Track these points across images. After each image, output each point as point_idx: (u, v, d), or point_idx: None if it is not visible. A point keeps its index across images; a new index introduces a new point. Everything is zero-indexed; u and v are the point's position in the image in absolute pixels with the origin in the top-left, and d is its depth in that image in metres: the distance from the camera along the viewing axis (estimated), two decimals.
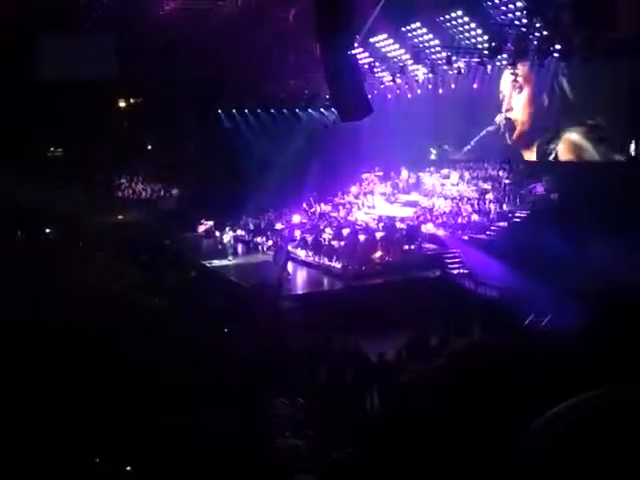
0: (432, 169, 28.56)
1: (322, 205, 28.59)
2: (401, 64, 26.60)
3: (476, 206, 24.17)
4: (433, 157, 28.57)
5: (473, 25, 23.01)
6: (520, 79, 24.28)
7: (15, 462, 5.67)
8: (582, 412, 1.06)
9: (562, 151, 23.75)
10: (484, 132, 26.30)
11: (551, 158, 24.25)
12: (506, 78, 25.26)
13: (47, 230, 25.88)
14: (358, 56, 21.92)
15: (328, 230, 23.65)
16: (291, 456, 6.19)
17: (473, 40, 23.64)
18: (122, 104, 33.12)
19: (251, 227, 26.80)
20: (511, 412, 1.22)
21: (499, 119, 25.94)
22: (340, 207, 28.14)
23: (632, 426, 1.01)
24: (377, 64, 27.29)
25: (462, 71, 25.05)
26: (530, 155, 25.34)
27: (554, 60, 22.13)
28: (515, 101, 25.34)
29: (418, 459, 1.40)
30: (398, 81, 28.35)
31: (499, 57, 23.28)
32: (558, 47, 21.20)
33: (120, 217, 28.96)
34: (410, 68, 26.83)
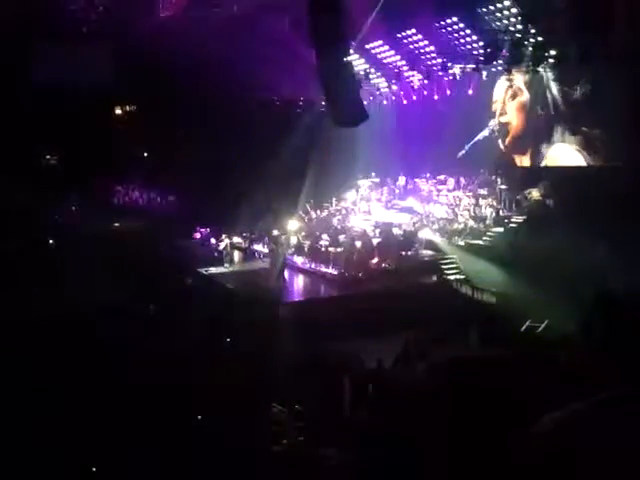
0: (428, 175, 28.58)
1: (319, 211, 28.58)
2: (397, 70, 26.66)
3: (472, 212, 24.18)
4: None
5: (468, 31, 23.09)
6: (514, 85, 24.39)
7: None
8: (581, 418, 1.05)
9: (551, 159, 23.81)
10: (480, 137, 26.32)
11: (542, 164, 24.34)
12: (500, 84, 25.36)
13: (43, 238, 25.78)
14: (354, 62, 21.98)
15: (325, 236, 23.63)
16: (289, 462, 6.16)
17: (469, 46, 23.71)
18: (118, 111, 33.14)
19: (247, 234, 26.77)
20: (509, 417, 1.21)
21: (493, 124, 25.98)
22: (337, 213, 28.14)
23: (629, 430, 1.00)
24: (373, 70, 27.35)
25: (457, 77, 25.14)
26: (523, 160, 25.40)
27: (549, 66, 22.21)
28: (509, 107, 25.42)
29: (415, 465, 1.39)
30: (394, 87, 28.42)
31: (494, 63, 23.34)
32: (553, 53, 21.29)
33: (116, 224, 28.92)
34: (406, 74, 26.89)
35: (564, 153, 23.19)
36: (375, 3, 16.81)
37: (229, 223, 26.57)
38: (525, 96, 24.63)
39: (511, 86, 24.65)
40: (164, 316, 16.02)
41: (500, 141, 25.96)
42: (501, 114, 25.78)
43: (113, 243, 24.35)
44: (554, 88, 23.11)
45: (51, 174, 30.82)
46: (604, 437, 1.07)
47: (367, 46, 25.41)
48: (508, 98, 25.25)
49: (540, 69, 22.57)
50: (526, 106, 24.72)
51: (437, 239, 23.03)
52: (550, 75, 22.93)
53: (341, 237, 23.31)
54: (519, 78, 24.33)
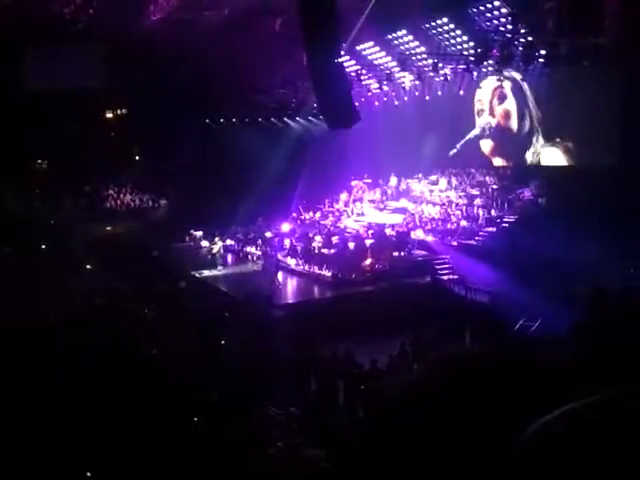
0: (420, 175, 28.66)
1: (312, 213, 28.58)
2: (388, 71, 26.70)
3: (464, 212, 24.25)
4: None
5: (459, 32, 23.13)
6: (503, 89, 24.58)
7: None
8: (577, 419, 1.07)
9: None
10: (471, 135, 26.38)
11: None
12: (486, 85, 25.50)
13: (36, 242, 25.70)
14: (345, 64, 21.98)
15: (318, 238, 23.63)
16: (284, 464, 6.17)
17: (459, 47, 23.76)
18: (109, 115, 33.06)
19: (240, 236, 26.73)
20: (506, 417, 1.22)
21: (484, 122, 26.02)
22: (329, 215, 28.15)
23: (627, 434, 1.02)
24: (364, 72, 27.37)
25: (448, 78, 25.20)
26: (503, 162, 25.76)
27: (537, 71, 22.34)
28: (496, 110, 25.54)
29: (408, 470, 1.40)
30: (385, 88, 28.45)
31: (485, 63, 23.40)
32: (543, 52, 21.34)
33: (109, 228, 28.84)
34: (397, 75, 26.93)
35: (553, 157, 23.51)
36: (365, 4, 16.86)
37: (222, 225, 26.54)
38: (511, 101, 24.78)
39: (501, 87, 24.75)
40: (158, 318, 16.01)
41: (484, 142, 26.12)
42: (488, 115, 25.90)
43: (106, 246, 24.31)
44: (531, 96, 23.46)
45: (43, 177, 30.73)
46: (602, 437, 1.09)
47: (358, 47, 25.43)
48: (495, 101, 25.38)
49: (529, 71, 22.69)
50: (511, 111, 24.88)
51: (430, 239, 23.08)
52: (528, 85, 23.30)
53: (334, 238, 23.32)
54: (507, 84, 24.52)
